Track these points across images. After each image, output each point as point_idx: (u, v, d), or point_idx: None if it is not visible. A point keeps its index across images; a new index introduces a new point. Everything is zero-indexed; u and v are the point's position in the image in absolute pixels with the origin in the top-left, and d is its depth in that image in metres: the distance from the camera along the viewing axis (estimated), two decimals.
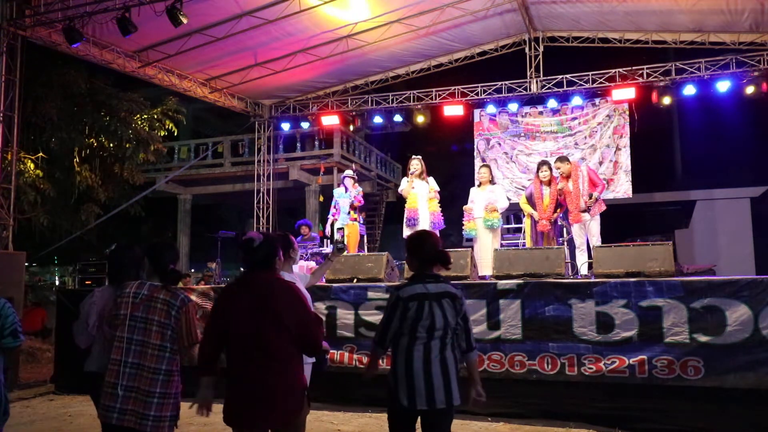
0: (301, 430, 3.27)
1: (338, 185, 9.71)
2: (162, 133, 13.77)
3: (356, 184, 9.27)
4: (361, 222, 11.93)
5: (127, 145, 13.07)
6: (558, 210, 7.97)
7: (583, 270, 7.39)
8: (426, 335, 3.03)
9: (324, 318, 6.42)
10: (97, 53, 9.47)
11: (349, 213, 8.98)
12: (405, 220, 8.20)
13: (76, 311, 4.06)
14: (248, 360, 2.92)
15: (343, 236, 8.52)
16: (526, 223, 8.31)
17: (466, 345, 3.16)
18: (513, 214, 10.78)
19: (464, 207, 8.36)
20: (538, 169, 8.18)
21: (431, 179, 8.28)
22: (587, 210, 7.76)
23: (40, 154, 12.07)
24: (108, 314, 3.33)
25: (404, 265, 5.46)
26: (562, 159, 8.15)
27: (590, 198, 7.72)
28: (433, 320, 3.02)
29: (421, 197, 8.15)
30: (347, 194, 9.11)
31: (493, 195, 8.23)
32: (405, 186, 8.29)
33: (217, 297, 3.09)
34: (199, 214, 19.30)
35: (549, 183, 8.03)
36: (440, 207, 8.28)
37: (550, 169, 8.10)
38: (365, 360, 6.26)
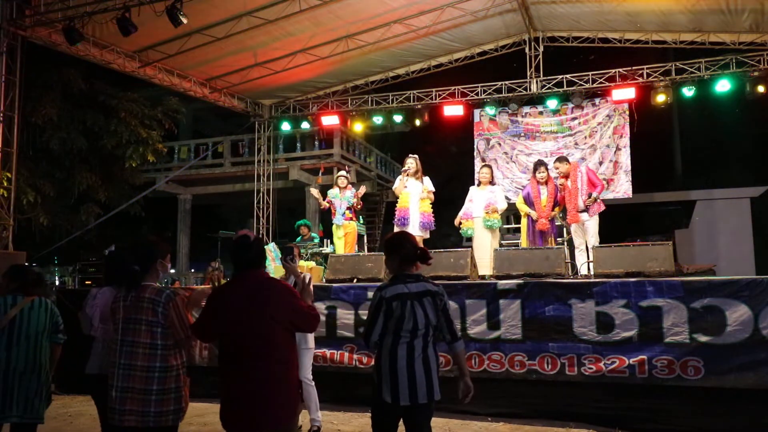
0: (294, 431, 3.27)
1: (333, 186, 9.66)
2: (162, 133, 13.77)
3: (350, 186, 9.09)
4: (360, 222, 11.93)
5: (127, 145, 13.08)
6: (556, 208, 7.99)
7: (583, 270, 7.39)
8: (409, 334, 3.13)
9: (324, 318, 6.42)
10: (97, 53, 9.47)
11: (344, 213, 8.93)
12: (395, 219, 8.06)
13: (77, 311, 4.10)
14: (241, 361, 2.91)
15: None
16: (523, 224, 8.31)
17: (450, 336, 3.26)
18: (513, 214, 10.77)
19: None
20: (535, 169, 8.21)
21: (427, 179, 8.11)
22: (586, 210, 7.78)
23: (40, 154, 12.08)
24: (111, 320, 3.40)
25: None
26: (561, 159, 8.17)
27: (589, 197, 7.73)
28: (416, 319, 3.13)
29: (413, 197, 7.99)
30: (339, 195, 9.05)
31: (493, 195, 8.18)
32: (398, 184, 8.12)
33: (208, 298, 3.09)
34: (199, 214, 19.28)
35: (546, 183, 8.06)
36: (433, 208, 8.09)
37: (547, 169, 8.13)
38: (365, 360, 6.27)
